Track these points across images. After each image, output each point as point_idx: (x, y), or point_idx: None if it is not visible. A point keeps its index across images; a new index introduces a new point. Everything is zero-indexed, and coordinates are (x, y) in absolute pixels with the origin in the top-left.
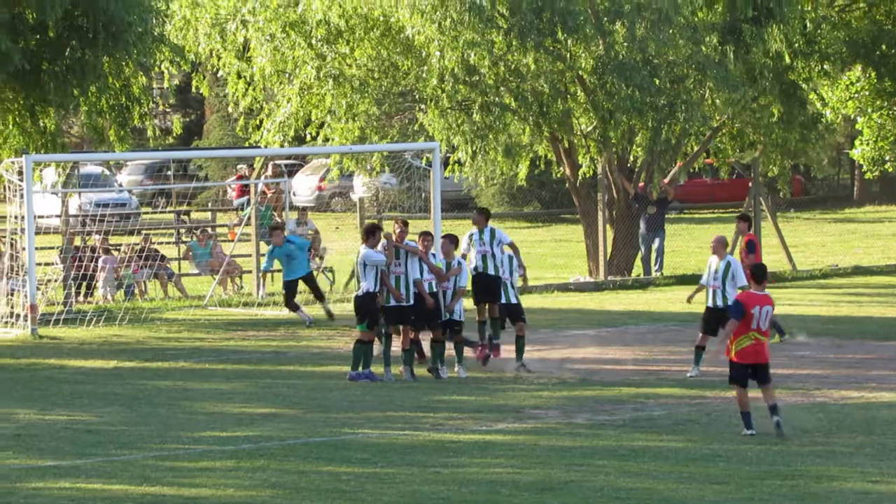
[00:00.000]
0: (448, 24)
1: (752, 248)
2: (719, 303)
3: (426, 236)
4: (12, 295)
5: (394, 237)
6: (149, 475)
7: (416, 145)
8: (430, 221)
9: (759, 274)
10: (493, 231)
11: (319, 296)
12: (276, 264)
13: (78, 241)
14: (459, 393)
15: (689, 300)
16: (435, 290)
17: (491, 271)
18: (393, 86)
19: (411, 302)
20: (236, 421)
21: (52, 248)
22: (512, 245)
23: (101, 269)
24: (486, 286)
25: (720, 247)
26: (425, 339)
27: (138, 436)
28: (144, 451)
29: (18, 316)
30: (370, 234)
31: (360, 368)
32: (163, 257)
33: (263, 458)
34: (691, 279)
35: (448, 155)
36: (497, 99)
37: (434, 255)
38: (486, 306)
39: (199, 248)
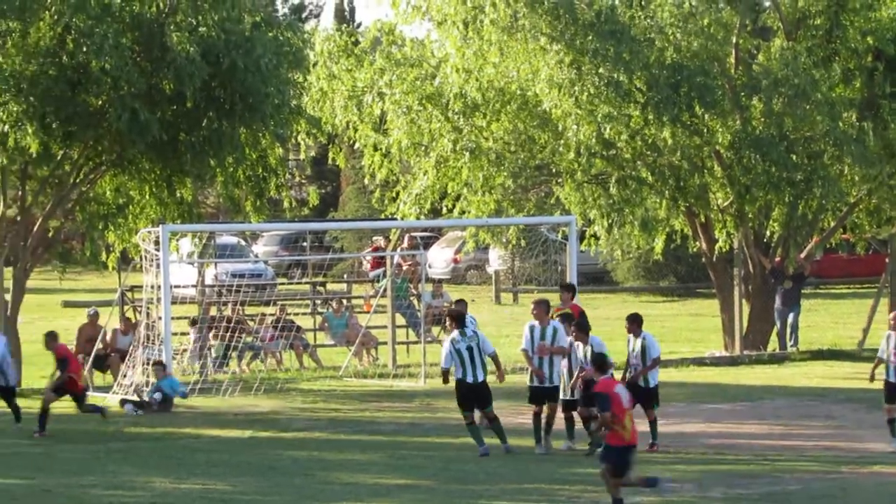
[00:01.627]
0: (585, 98)
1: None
2: (891, 378)
3: (538, 304)
4: (148, 364)
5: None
6: None
7: (552, 219)
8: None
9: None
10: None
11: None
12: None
13: (214, 312)
14: (595, 466)
15: (871, 379)
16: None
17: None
18: (529, 159)
19: (554, 383)
20: (372, 492)
21: (188, 317)
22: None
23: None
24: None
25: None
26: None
27: None
28: None
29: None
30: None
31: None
32: (298, 328)
33: None
34: (827, 354)
35: (584, 228)
36: (634, 173)
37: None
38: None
39: (335, 319)
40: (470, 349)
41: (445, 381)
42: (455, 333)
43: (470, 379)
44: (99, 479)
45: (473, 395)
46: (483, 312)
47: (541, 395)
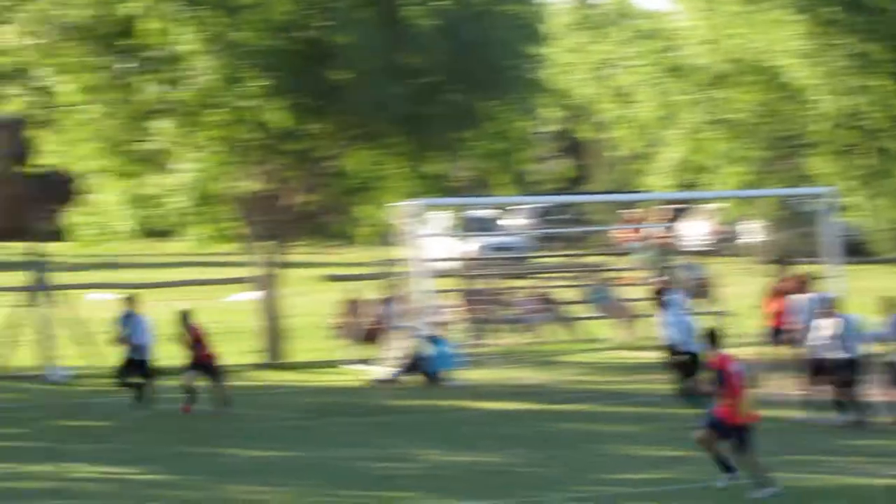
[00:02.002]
0: (834, 69)
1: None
2: None
3: (796, 278)
4: (410, 336)
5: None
6: None
7: (809, 190)
8: (821, 267)
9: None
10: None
11: None
12: None
13: (475, 285)
14: (864, 438)
15: None
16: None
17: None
18: (780, 130)
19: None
20: (646, 463)
21: (447, 290)
22: None
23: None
24: None
25: None
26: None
27: (546, 478)
28: (555, 492)
29: None
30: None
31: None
32: (558, 301)
33: (675, 500)
34: None
35: (840, 200)
36: (886, 144)
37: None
38: None
39: (594, 292)
40: (688, 319)
41: (676, 353)
42: (674, 305)
43: (690, 348)
44: (367, 452)
45: (688, 364)
46: (738, 285)
47: (818, 368)
